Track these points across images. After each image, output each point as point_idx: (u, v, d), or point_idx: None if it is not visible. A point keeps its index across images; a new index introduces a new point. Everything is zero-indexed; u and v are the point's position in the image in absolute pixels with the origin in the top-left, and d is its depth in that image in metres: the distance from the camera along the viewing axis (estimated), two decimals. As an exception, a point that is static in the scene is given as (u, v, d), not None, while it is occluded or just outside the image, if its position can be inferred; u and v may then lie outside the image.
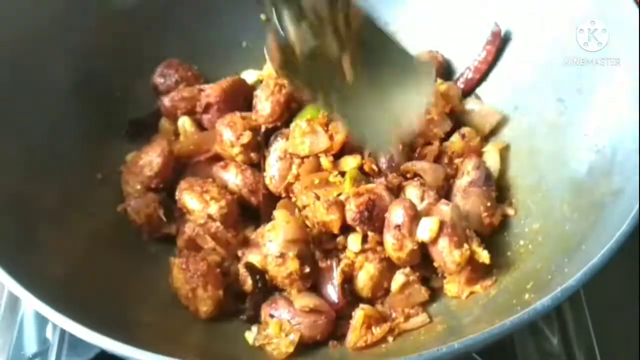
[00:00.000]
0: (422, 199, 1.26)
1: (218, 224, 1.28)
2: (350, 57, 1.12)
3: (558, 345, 1.36)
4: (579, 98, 1.30)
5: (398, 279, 1.23)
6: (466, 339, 0.93)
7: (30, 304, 0.98)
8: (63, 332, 1.34)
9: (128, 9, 1.50)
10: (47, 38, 1.36)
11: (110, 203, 1.36)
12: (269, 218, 1.28)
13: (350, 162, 1.31)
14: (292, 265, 1.17)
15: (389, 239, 1.21)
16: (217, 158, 1.39)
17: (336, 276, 1.21)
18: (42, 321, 1.38)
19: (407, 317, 1.20)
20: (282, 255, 1.17)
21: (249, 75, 1.54)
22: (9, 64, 1.28)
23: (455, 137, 1.41)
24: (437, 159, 1.38)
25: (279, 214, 1.24)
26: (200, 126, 1.46)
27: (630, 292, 1.55)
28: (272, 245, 1.18)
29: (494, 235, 1.30)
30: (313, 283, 1.22)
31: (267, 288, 1.22)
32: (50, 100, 1.35)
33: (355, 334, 1.16)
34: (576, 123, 1.29)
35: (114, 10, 1.48)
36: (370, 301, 1.23)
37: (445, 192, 1.33)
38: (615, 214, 1.05)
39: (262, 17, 1.56)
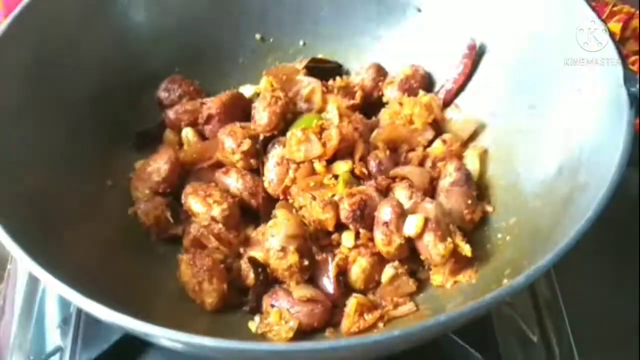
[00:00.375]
0: (409, 199, 1.33)
1: (221, 225, 1.34)
2: None
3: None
4: (548, 105, 1.37)
5: (388, 271, 1.30)
6: (443, 315, 0.99)
7: (56, 287, 1.03)
8: (77, 329, 1.39)
9: (135, 28, 1.57)
10: (64, 55, 1.43)
11: (121, 207, 1.43)
12: (268, 218, 1.35)
13: (342, 167, 1.38)
14: (292, 258, 1.24)
15: (379, 235, 1.28)
16: (218, 165, 1.45)
17: (331, 269, 1.28)
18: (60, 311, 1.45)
19: (396, 306, 1.27)
20: (283, 249, 1.24)
21: (247, 89, 1.61)
22: (32, 78, 1.36)
23: (438, 143, 1.47)
24: (422, 163, 1.45)
25: (280, 212, 1.31)
26: (202, 136, 1.52)
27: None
28: (274, 240, 1.25)
29: (475, 229, 1.36)
30: (310, 276, 1.29)
31: (268, 281, 1.29)
32: (67, 112, 1.42)
33: (348, 320, 1.24)
34: (546, 127, 1.36)
35: (122, 31, 1.55)
36: (363, 292, 1.30)
37: (430, 192, 1.39)
38: (582, 205, 1.11)
39: (257, 36, 1.69)
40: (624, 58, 1.23)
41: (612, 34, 1.27)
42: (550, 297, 1.49)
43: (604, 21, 1.31)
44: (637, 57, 1.97)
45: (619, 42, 1.93)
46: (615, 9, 2.02)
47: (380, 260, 1.31)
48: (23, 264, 1.09)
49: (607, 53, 1.25)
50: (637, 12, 2.01)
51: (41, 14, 1.40)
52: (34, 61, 1.38)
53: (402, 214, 1.28)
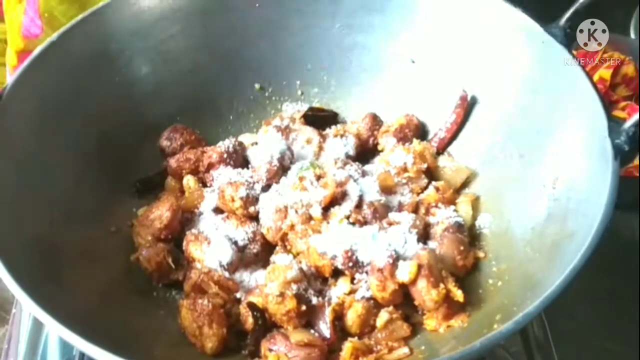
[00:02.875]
0: (403, 245, 1.36)
1: (220, 271, 1.39)
2: None
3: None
4: (537, 154, 1.42)
5: (382, 316, 1.32)
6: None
7: (57, 331, 1.07)
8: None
9: (139, 80, 1.63)
10: (71, 106, 1.48)
11: (123, 252, 1.47)
12: (266, 263, 1.40)
13: (338, 214, 1.41)
14: (291, 303, 1.27)
15: (373, 281, 1.31)
16: (219, 211, 1.50)
17: (328, 314, 1.31)
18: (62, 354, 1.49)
19: (391, 350, 1.30)
20: (281, 295, 1.28)
21: (246, 138, 1.67)
22: (38, 127, 1.41)
23: (431, 190, 1.51)
24: (415, 210, 1.49)
25: (279, 259, 1.36)
26: (203, 184, 1.57)
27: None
28: (272, 285, 1.29)
29: (467, 275, 1.40)
30: (307, 320, 1.32)
31: (266, 325, 1.32)
32: (71, 160, 1.47)
33: None
34: (536, 176, 1.40)
35: (126, 82, 1.61)
36: (359, 336, 1.32)
37: (423, 238, 1.43)
38: (569, 253, 1.15)
39: (257, 86, 1.75)
40: (608, 110, 1.28)
41: (596, 86, 1.33)
42: (542, 339, 1.53)
43: (589, 74, 1.37)
44: (627, 102, 2.04)
45: (610, 88, 2.02)
46: (605, 55, 2.08)
47: (375, 306, 1.34)
48: (27, 307, 1.12)
49: (592, 105, 1.30)
50: (627, 58, 2.07)
51: (49, 66, 1.46)
52: (40, 111, 1.43)
53: (395, 261, 1.32)
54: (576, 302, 1.70)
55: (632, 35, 2.26)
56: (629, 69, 2.07)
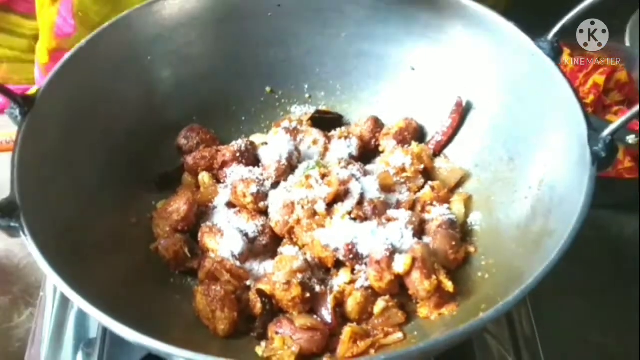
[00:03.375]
0: (400, 240, 1.44)
1: (233, 260, 1.48)
2: None
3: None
4: (525, 158, 1.52)
5: (379, 304, 1.41)
6: (423, 342, 1.17)
7: (84, 308, 1.17)
8: (102, 353, 1.54)
9: (160, 82, 1.73)
10: (97, 105, 1.57)
11: (143, 241, 1.56)
12: (274, 254, 1.51)
13: (341, 210, 1.49)
14: (296, 290, 1.37)
15: (371, 272, 1.40)
16: (231, 205, 1.60)
17: (330, 301, 1.41)
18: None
19: (387, 335, 1.39)
20: (288, 283, 1.38)
21: (257, 138, 1.76)
22: (66, 125, 1.50)
23: (427, 189, 1.61)
24: (412, 207, 1.58)
25: (286, 250, 1.47)
26: (217, 180, 1.66)
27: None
28: (280, 274, 1.39)
29: (458, 268, 1.49)
30: (311, 307, 1.42)
31: (273, 310, 1.41)
32: (96, 156, 1.56)
33: (343, 347, 1.36)
34: (523, 177, 1.50)
35: (148, 84, 1.71)
36: (357, 322, 1.41)
37: (419, 234, 1.52)
38: (549, 249, 1.23)
39: (267, 89, 1.84)
40: (589, 119, 1.37)
41: (579, 97, 1.41)
42: (529, 330, 1.63)
43: (577, 90, 1.46)
44: (620, 107, 2.12)
45: (603, 93, 2.09)
46: (599, 62, 2.15)
47: (373, 294, 1.43)
48: (58, 287, 1.22)
49: (575, 115, 1.39)
50: (621, 65, 2.15)
51: (78, 70, 1.55)
52: (69, 111, 1.52)
53: (392, 254, 1.41)
54: (566, 297, 1.81)
55: (627, 43, 2.33)
56: (622, 75, 2.14)
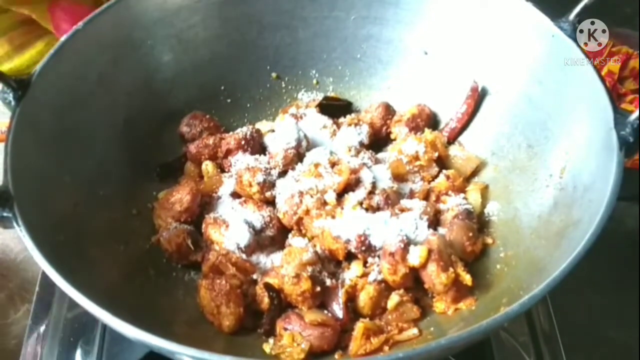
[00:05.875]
0: (414, 231, 1.40)
1: (238, 253, 1.43)
2: None
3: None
4: (545, 145, 1.46)
5: (393, 298, 1.36)
6: (444, 338, 1.09)
7: (82, 304, 1.11)
8: (101, 350, 1.50)
9: (160, 68, 1.67)
10: (96, 93, 1.52)
11: (144, 234, 1.52)
12: (282, 246, 1.45)
13: (352, 200, 1.44)
14: (306, 284, 1.32)
15: (385, 264, 1.35)
16: (236, 195, 1.54)
17: (341, 296, 1.36)
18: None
19: (401, 330, 1.34)
20: (297, 276, 1.32)
21: (263, 125, 1.71)
22: (65, 113, 1.44)
23: (441, 178, 1.55)
24: (426, 197, 1.53)
25: (295, 242, 1.41)
26: (221, 169, 1.61)
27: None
28: (289, 267, 1.34)
29: (476, 260, 1.44)
30: (321, 301, 1.36)
31: (281, 305, 1.36)
32: (96, 145, 1.51)
33: (356, 344, 1.31)
34: (543, 166, 1.45)
35: (148, 70, 1.65)
36: (370, 317, 1.37)
37: (434, 225, 1.47)
38: (574, 240, 1.18)
39: (273, 75, 1.78)
40: (614, 102, 1.31)
41: (603, 79, 1.36)
42: (548, 327, 1.58)
43: (597, 67, 1.40)
44: (635, 95, 2.07)
45: (618, 81, 2.04)
46: (614, 49, 2.12)
47: (386, 288, 1.38)
48: (56, 282, 1.15)
49: (599, 98, 1.33)
50: (636, 52, 2.10)
51: (76, 53, 1.49)
52: (66, 96, 1.47)
53: (407, 246, 1.36)
54: (583, 292, 1.75)
55: (641, 30, 2.26)
56: (637, 63, 2.10)
